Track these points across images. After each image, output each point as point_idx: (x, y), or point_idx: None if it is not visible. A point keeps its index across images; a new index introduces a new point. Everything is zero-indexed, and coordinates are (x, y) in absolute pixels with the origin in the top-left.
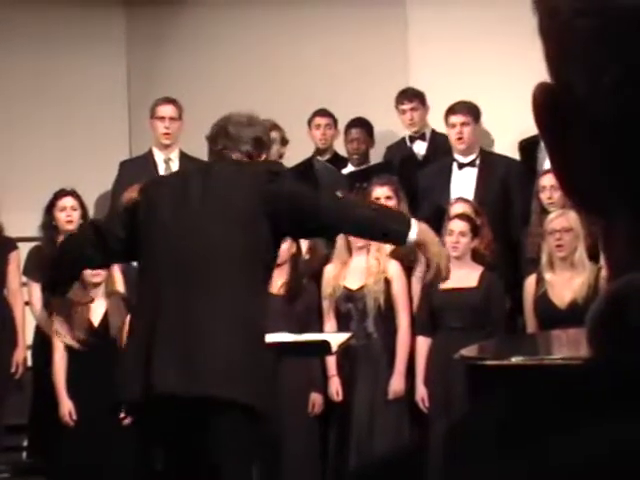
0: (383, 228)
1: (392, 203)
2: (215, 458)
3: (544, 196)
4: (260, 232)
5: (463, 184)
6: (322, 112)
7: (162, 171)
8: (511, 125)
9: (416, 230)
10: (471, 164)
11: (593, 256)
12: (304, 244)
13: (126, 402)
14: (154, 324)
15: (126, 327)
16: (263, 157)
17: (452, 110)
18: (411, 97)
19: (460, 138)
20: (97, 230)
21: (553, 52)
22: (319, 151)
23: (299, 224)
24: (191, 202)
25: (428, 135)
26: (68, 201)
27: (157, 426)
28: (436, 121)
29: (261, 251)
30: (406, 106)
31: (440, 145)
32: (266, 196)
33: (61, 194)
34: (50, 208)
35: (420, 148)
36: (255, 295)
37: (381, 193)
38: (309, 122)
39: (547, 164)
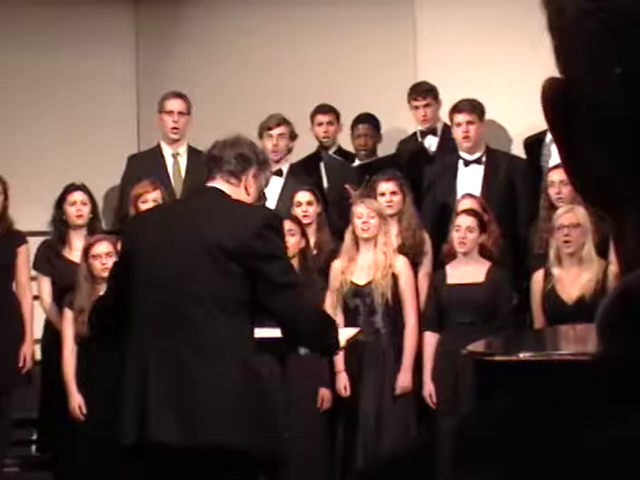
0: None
1: (397, 198)
2: None
3: (552, 191)
4: (242, 272)
5: (469, 181)
6: (324, 109)
7: (170, 165)
8: (517, 122)
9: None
10: (477, 161)
11: (601, 252)
12: (312, 238)
13: (122, 446)
14: (140, 374)
15: None
16: (251, 172)
17: (457, 109)
18: (424, 93)
19: (466, 137)
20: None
21: (562, 49)
22: (322, 147)
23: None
24: (176, 238)
25: (439, 130)
26: (78, 196)
27: (153, 474)
28: (445, 117)
29: (242, 290)
30: (419, 102)
31: (451, 140)
32: (250, 245)
33: (71, 189)
34: (60, 203)
35: (431, 143)
36: (239, 331)
37: (386, 188)
38: (311, 119)
39: (552, 161)
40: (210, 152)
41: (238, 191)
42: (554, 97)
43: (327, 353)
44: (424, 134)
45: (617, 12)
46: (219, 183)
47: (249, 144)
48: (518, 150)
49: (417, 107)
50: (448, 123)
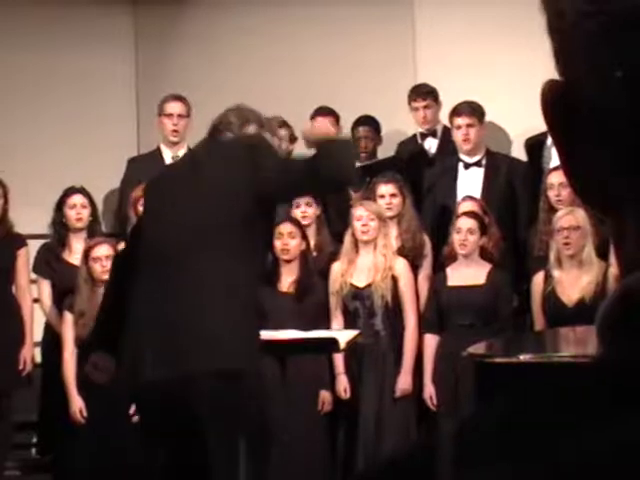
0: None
1: (397, 200)
2: (201, 427)
3: (552, 194)
4: (243, 203)
5: (469, 184)
6: (323, 111)
7: None
8: (517, 124)
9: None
10: (477, 164)
11: (601, 254)
12: (311, 241)
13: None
14: (141, 315)
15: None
16: (250, 128)
17: (456, 112)
18: (424, 95)
19: (466, 139)
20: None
21: (561, 51)
22: None
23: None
24: (176, 188)
25: (439, 132)
26: (78, 199)
27: (151, 416)
28: (445, 118)
29: (246, 221)
30: (419, 104)
31: (451, 141)
32: (244, 179)
33: (71, 192)
34: (60, 205)
35: (431, 145)
36: (241, 264)
37: (385, 191)
38: (311, 121)
39: (553, 162)
40: (214, 120)
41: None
42: (554, 99)
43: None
44: (424, 136)
45: (617, 15)
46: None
47: (251, 109)
48: (518, 152)
49: (417, 108)
50: (448, 125)
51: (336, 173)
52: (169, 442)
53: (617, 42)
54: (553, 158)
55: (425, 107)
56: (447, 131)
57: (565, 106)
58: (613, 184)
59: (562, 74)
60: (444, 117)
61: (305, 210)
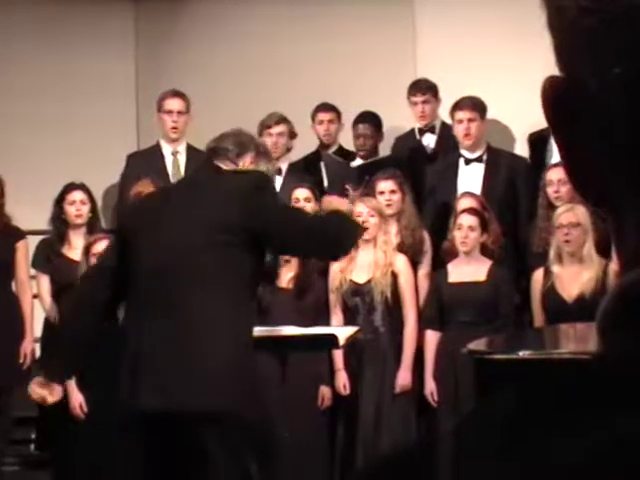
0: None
1: (397, 197)
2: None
3: (551, 190)
4: (239, 245)
5: (470, 180)
6: (325, 107)
7: (169, 164)
8: (519, 119)
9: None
10: (478, 160)
11: (601, 250)
12: None
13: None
14: (140, 347)
15: None
16: (249, 156)
17: (458, 106)
18: (424, 90)
19: (467, 134)
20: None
21: (562, 48)
22: (323, 146)
23: (268, 242)
24: (172, 218)
25: (438, 128)
26: (78, 195)
27: (143, 444)
28: (445, 115)
29: (241, 264)
30: (418, 98)
31: (450, 138)
32: (245, 212)
33: (71, 188)
34: (59, 201)
35: (429, 141)
36: (237, 307)
37: (385, 187)
38: (312, 117)
39: (556, 158)
40: (209, 145)
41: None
42: (554, 95)
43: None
44: (422, 132)
45: (616, 12)
46: (217, 164)
47: (249, 135)
48: (519, 148)
49: (416, 103)
50: (447, 122)
51: (337, 238)
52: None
53: (616, 39)
54: (555, 153)
55: (424, 102)
56: (446, 128)
57: (565, 102)
58: (611, 180)
59: (562, 70)
60: (444, 113)
61: (304, 205)
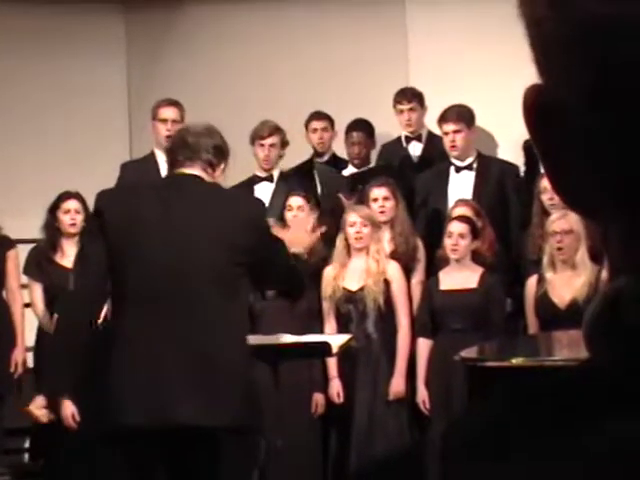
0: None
1: (390, 204)
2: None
3: (545, 197)
4: (243, 266)
5: (461, 187)
6: (318, 115)
7: (164, 172)
8: (511, 126)
9: None
10: (468, 167)
11: (595, 257)
12: None
13: (128, 427)
14: (147, 351)
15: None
16: (222, 166)
17: (444, 118)
18: (410, 97)
19: (453, 146)
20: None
21: (537, 58)
22: (317, 154)
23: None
24: (169, 220)
25: (424, 136)
26: (72, 204)
27: (148, 455)
28: (434, 122)
29: (239, 274)
30: (404, 106)
31: (436, 147)
32: (258, 243)
33: (65, 196)
34: (53, 210)
35: (415, 149)
36: (239, 314)
37: (378, 194)
38: (306, 125)
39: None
40: (184, 138)
41: (213, 182)
42: (534, 104)
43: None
44: (409, 140)
45: (584, 20)
46: (198, 172)
47: (221, 136)
48: (511, 154)
49: (402, 111)
50: (433, 131)
51: (302, 283)
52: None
53: (584, 48)
54: None
55: (410, 110)
56: (432, 137)
57: (543, 111)
58: (593, 189)
59: (541, 80)
60: (433, 122)
61: (296, 214)
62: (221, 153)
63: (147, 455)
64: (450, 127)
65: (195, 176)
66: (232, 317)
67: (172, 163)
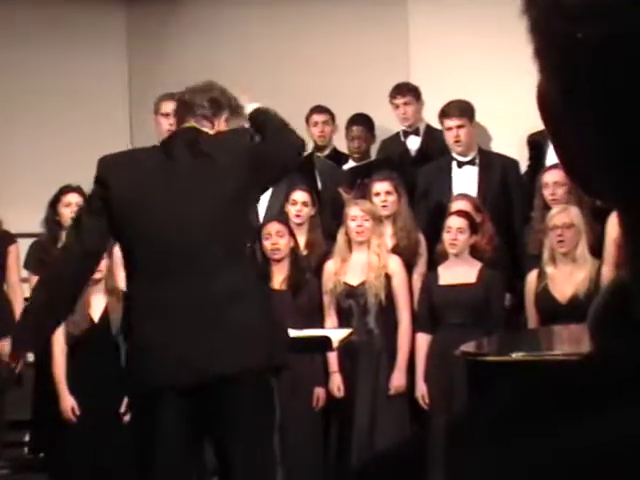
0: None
1: (392, 198)
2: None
3: (547, 192)
4: (248, 202)
5: (464, 182)
6: (319, 109)
7: None
8: (512, 121)
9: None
10: (471, 162)
11: (595, 252)
12: (302, 239)
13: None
14: (161, 314)
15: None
16: (223, 116)
17: (446, 113)
18: (405, 92)
19: (457, 141)
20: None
21: (534, 50)
22: (318, 148)
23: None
24: (170, 180)
25: (422, 130)
26: (73, 197)
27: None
28: (435, 117)
29: (248, 224)
30: (399, 100)
31: (434, 141)
32: (247, 159)
33: (66, 190)
34: (54, 203)
35: (413, 143)
36: (248, 264)
37: (381, 188)
38: (306, 119)
39: (552, 159)
40: (181, 97)
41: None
42: (541, 96)
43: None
44: (407, 134)
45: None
46: (195, 124)
47: (221, 89)
48: (511, 150)
49: (397, 105)
50: (431, 124)
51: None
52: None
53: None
54: (553, 155)
55: (405, 104)
56: (430, 130)
57: (544, 104)
58: (601, 177)
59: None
60: (429, 116)
61: (301, 209)
62: (217, 104)
63: (179, 412)
64: (454, 122)
65: (190, 129)
66: (243, 266)
67: (176, 123)
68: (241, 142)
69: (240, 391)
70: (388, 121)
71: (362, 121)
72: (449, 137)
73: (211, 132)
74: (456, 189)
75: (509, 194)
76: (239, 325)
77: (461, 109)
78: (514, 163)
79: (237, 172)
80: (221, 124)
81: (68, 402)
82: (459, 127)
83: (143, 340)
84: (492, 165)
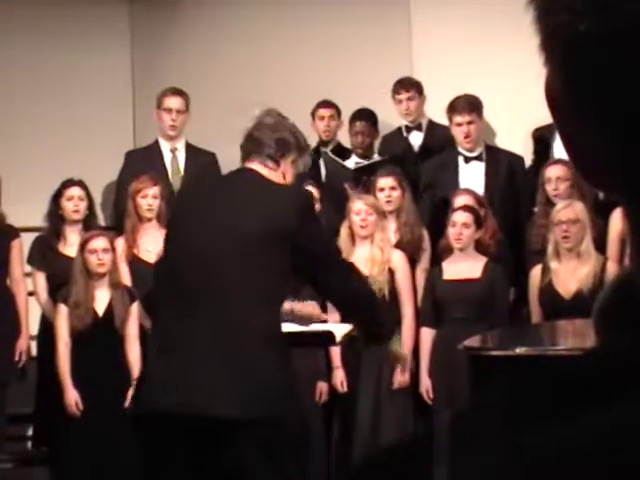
0: (373, 316)
1: (396, 194)
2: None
3: (549, 187)
4: (273, 256)
5: (471, 177)
6: (326, 103)
7: (168, 161)
8: (514, 118)
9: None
10: (478, 158)
11: (599, 247)
12: None
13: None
14: (167, 346)
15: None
16: (291, 158)
17: (455, 109)
18: (407, 87)
19: (467, 137)
20: None
21: (539, 43)
22: (322, 142)
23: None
24: (210, 217)
25: (425, 125)
26: (75, 191)
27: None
28: (438, 111)
29: (273, 277)
30: (402, 96)
31: (436, 136)
32: (299, 227)
33: (69, 184)
34: (57, 197)
35: (416, 139)
36: (268, 307)
37: (385, 184)
38: (312, 113)
39: (557, 154)
40: (251, 133)
41: (276, 175)
42: (548, 91)
43: (376, 338)
44: (409, 129)
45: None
46: (257, 166)
47: (290, 128)
48: (514, 145)
49: (400, 101)
50: (434, 120)
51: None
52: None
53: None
54: (558, 150)
55: (408, 99)
56: (433, 126)
57: (551, 98)
58: (605, 170)
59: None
60: (435, 112)
61: None
62: (285, 146)
63: (171, 443)
64: (464, 118)
65: (251, 170)
66: (261, 322)
67: (241, 158)
68: (295, 200)
69: (233, 440)
70: (390, 116)
71: (365, 116)
72: (458, 133)
73: (275, 174)
74: (463, 184)
75: (516, 190)
76: (245, 368)
77: (471, 105)
78: (520, 159)
79: (281, 220)
80: (287, 165)
81: (72, 396)
82: (469, 123)
83: (155, 362)
84: (499, 161)
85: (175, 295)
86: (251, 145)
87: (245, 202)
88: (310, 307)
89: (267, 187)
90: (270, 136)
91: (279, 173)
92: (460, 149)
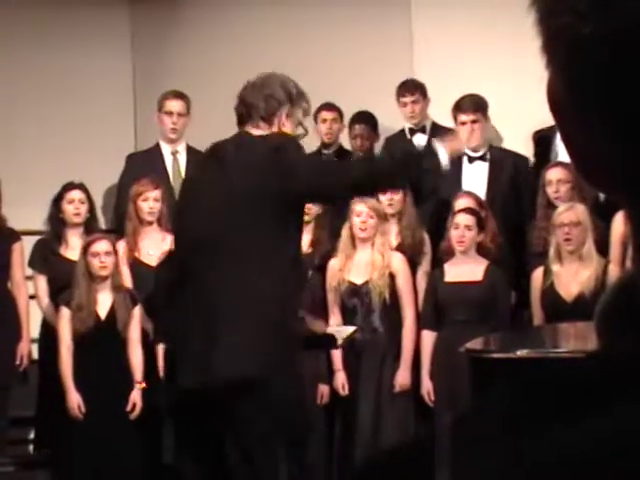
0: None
1: (398, 197)
2: (237, 443)
3: (550, 190)
4: (272, 209)
5: (475, 178)
6: (328, 106)
7: (169, 164)
8: (516, 120)
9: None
10: (482, 158)
11: (601, 250)
12: (306, 237)
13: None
14: (180, 313)
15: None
16: (283, 113)
17: (460, 108)
18: (412, 89)
19: (472, 136)
20: None
21: (541, 44)
22: (324, 145)
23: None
24: (205, 187)
25: (428, 128)
26: (76, 194)
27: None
28: (440, 114)
29: (274, 227)
30: (407, 99)
31: (440, 138)
32: (270, 174)
33: (69, 187)
34: (58, 200)
35: (420, 141)
36: (271, 270)
37: None
38: (315, 116)
39: (558, 156)
40: (241, 96)
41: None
42: (550, 93)
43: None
44: (413, 132)
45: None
46: (249, 129)
47: (280, 82)
48: (516, 146)
49: (405, 103)
50: (438, 122)
51: (357, 180)
52: (201, 448)
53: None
54: (560, 152)
55: (413, 102)
56: (436, 127)
57: (552, 100)
58: (606, 171)
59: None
60: (436, 114)
61: (309, 207)
62: (275, 101)
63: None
64: (468, 117)
65: (243, 133)
66: (263, 281)
67: (237, 122)
68: (261, 153)
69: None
70: (392, 118)
71: (365, 119)
72: (463, 132)
73: (269, 132)
74: (466, 184)
75: (519, 191)
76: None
77: (476, 104)
78: (525, 160)
79: (251, 180)
80: (282, 120)
81: (74, 399)
82: (473, 122)
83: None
84: (503, 161)
85: (184, 275)
86: (242, 108)
87: (235, 166)
88: (318, 325)
89: (251, 145)
90: (258, 96)
91: (274, 130)
92: (465, 149)
